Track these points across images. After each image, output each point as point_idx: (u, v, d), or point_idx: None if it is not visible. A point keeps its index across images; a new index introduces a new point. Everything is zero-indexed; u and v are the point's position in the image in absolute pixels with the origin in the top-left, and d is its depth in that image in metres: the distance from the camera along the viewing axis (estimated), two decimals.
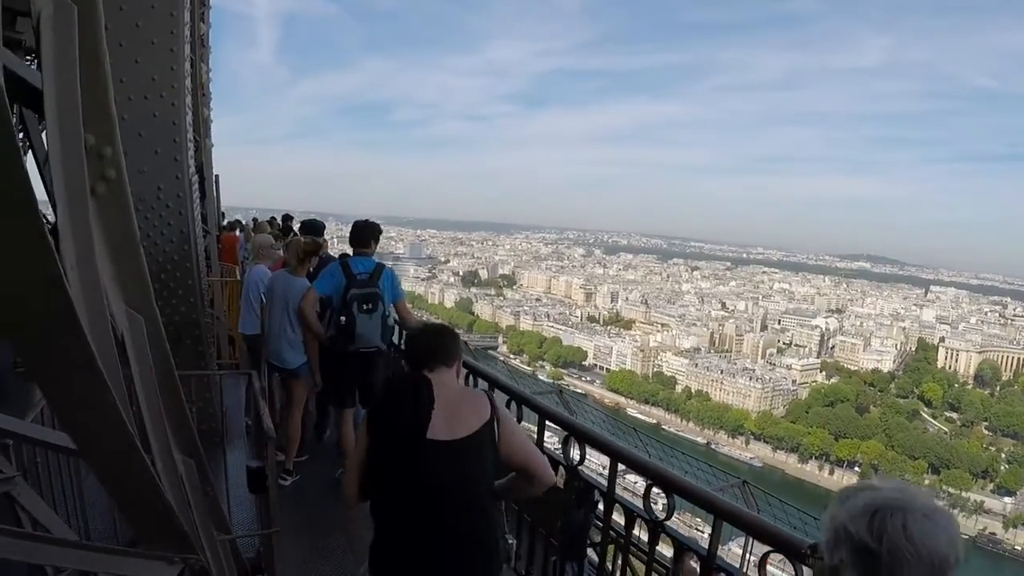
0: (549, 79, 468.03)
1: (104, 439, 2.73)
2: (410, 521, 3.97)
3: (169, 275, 9.63)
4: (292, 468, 9.44)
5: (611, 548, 6.02)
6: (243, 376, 9.94)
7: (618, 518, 5.93)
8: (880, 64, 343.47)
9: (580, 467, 6.11)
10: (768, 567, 4.57)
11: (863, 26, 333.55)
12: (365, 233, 8.96)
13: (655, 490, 5.31)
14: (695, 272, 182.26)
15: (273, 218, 21.32)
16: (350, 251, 9.22)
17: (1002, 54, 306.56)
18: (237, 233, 21.84)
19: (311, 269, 9.71)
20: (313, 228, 11.60)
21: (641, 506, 5.45)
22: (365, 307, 8.40)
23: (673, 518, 5.39)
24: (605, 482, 5.86)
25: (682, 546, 5.14)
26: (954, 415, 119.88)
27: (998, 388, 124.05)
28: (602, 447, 5.80)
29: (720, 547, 5.01)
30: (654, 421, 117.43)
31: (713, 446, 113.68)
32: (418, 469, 3.87)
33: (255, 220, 22.33)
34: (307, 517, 8.33)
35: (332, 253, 11.39)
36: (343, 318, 8.44)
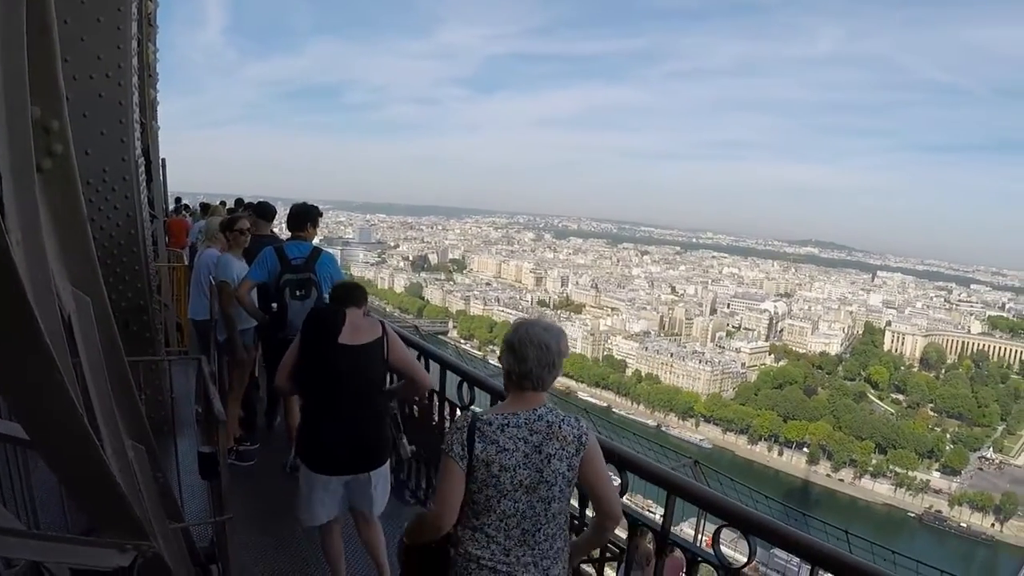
0: (501, 63, 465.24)
1: (55, 424, 2.69)
2: (324, 402, 5.91)
3: (116, 260, 9.36)
4: (234, 448, 9.40)
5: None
6: (192, 363, 10.18)
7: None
8: (833, 54, 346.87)
9: None
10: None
11: (818, 16, 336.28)
12: (302, 217, 9.00)
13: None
14: (645, 256, 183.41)
15: (223, 202, 20.86)
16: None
17: (954, 47, 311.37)
18: (186, 218, 22.03)
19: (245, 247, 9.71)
20: (263, 211, 11.10)
21: None
22: (298, 293, 8.42)
23: (625, 500, 5.36)
24: None
25: (636, 523, 5.43)
26: (900, 397, 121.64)
27: (943, 371, 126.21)
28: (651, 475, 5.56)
29: (673, 527, 5.30)
30: (605, 404, 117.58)
31: (663, 428, 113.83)
32: (331, 362, 5.85)
33: (202, 204, 21.98)
34: (262, 506, 8.38)
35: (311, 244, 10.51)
36: (275, 305, 8.55)
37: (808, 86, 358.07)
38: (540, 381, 3.99)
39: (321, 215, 9.41)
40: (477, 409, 7.12)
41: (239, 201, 19.45)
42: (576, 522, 5.77)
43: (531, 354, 3.92)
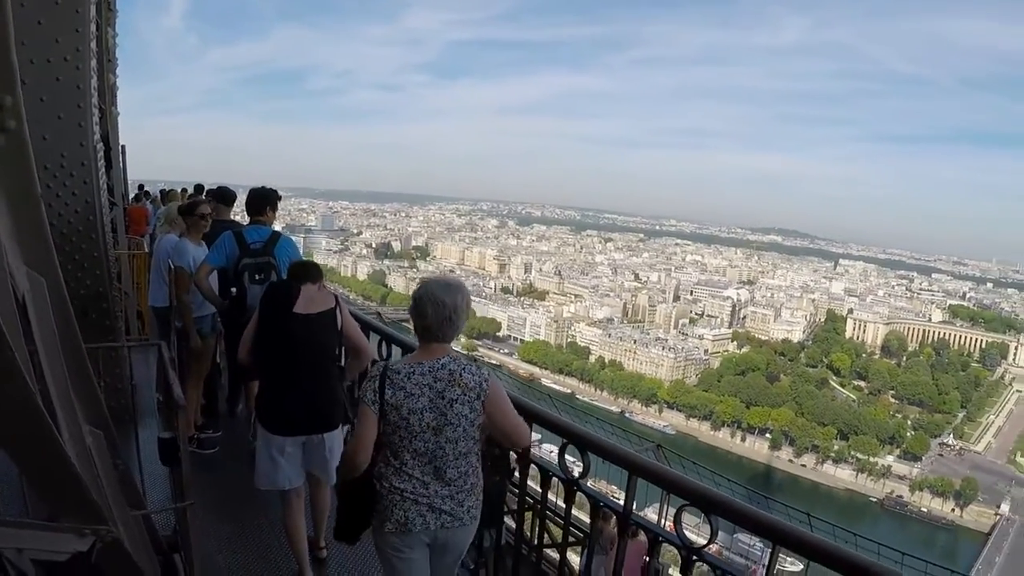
0: (465, 49, 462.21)
1: (8, 406, 2.68)
2: (281, 368, 6.23)
3: (74, 247, 9.16)
4: (195, 435, 9.36)
5: (529, 514, 6.34)
6: (153, 350, 9.94)
7: (534, 485, 6.21)
8: (799, 43, 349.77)
9: None
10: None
11: (784, 5, 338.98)
12: (260, 201, 8.91)
13: (570, 448, 5.62)
14: (608, 243, 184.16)
15: (184, 188, 20.58)
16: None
17: (919, 38, 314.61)
18: (146, 205, 21.77)
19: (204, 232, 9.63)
20: (223, 197, 10.95)
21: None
22: (257, 277, 8.36)
23: (589, 485, 5.64)
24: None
25: (599, 504, 5.49)
26: (862, 384, 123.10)
27: (904, 358, 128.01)
28: (516, 407, 5.34)
29: (638, 512, 5.32)
30: (568, 391, 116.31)
31: (627, 415, 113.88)
32: (287, 330, 6.21)
33: (162, 191, 21.70)
34: (225, 493, 8.29)
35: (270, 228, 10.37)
36: (234, 289, 8.51)
37: (773, 75, 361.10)
38: (440, 334, 4.59)
39: (280, 199, 9.34)
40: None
41: (199, 187, 19.14)
42: (530, 500, 6.25)
43: (429, 310, 4.53)
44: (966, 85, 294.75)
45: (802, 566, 4.44)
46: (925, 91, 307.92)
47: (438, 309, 4.49)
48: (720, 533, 4.75)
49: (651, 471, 5.12)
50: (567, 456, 5.80)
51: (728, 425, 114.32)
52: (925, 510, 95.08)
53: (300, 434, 6.32)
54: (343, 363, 6.77)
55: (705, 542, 4.83)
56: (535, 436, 5.56)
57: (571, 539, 6.17)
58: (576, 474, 5.62)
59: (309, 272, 6.61)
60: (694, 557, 4.84)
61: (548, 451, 6.47)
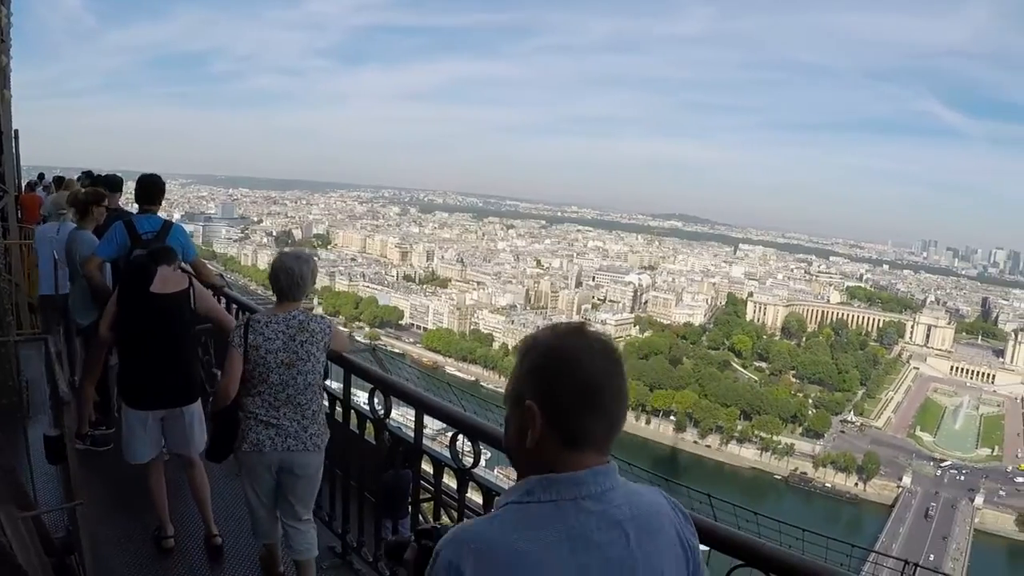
0: (368, 34, 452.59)
1: None
2: (140, 345, 6.52)
3: None
4: (88, 432, 8.96)
5: (431, 504, 6.31)
6: (42, 342, 9.48)
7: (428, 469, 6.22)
8: (703, 32, 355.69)
9: (388, 420, 6.45)
10: None
11: None
12: (152, 189, 8.72)
13: (461, 438, 5.54)
14: (511, 230, 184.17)
15: (80, 176, 18.57)
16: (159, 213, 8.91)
17: (820, 30, 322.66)
18: (39, 192, 20.82)
19: (100, 222, 9.20)
20: (110, 184, 10.48)
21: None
22: None
23: (494, 474, 6.90)
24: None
25: (491, 492, 5.28)
26: (763, 365, 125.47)
27: (804, 339, 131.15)
28: (407, 397, 6.15)
29: None
30: (473, 378, 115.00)
31: None
32: (144, 309, 6.46)
33: (56, 178, 19.94)
34: (122, 492, 7.75)
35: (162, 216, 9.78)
36: None
37: (677, 64, 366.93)
38: (291, 294, 5.69)
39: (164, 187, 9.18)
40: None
41: (88, 173, 17.34)
42: (432, 489, 6.14)
43: (282, 277, 5.63)
44: (866, 76, 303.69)
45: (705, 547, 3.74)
46: (825, 81, 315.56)
47: (289, 275, 5.62)
48: None
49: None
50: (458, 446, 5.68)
51: (632, 409, 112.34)
52: (829, 485, 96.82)
53: (160, 408, 6.60)
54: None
55: None
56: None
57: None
58: (468, 464, 5.59)
59: (165, 256, 6.80)
60: None
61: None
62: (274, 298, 5.90)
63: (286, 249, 7.77)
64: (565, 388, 2.09)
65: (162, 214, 8.85)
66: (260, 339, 5.47)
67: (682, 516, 2.34)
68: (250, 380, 5.53)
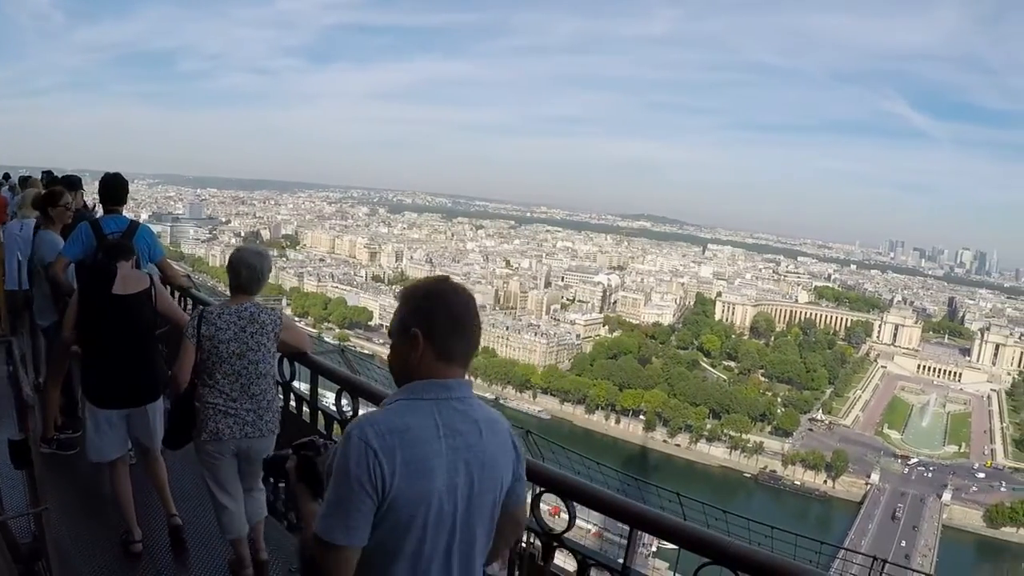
0: (337, 33, 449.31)
1: None
2: (103, 345, 6.44)
3: None
4: (54, 436, 8.80)
5: None
6: (3, 343, 9.85)
7: None
8: (670, 34, 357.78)
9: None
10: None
11: None
12: (116, 189, 8.64)
13: None
14: (480, 230, 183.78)
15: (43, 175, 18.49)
16: (125, 213, 8.83)
17: (787, 33, 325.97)
18: (4, 193, 19.32)
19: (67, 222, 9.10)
20: (70, 184, 10.41)
21: None
22: None
23: None
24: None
25: None
26: (732, 364, 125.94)
27: (772, 338, 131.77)
28: (374, 398, 6.19)
29: None
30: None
31: (502, 401, 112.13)
32: (106, 310, 6.38)
33: (21, 178, 19.52)
34: (89, 496, 7.79)
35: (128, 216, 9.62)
36: None
37: (644, 65, 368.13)
38: (248, 289, 5.84)
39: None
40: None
41: (48, 173, 17.72)
42: None
43: (243, 271, 5.77)
44: (833, 77, 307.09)
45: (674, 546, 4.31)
46: (793, 82, 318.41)
47: (251, 271, 5.79)
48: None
49: None
50: None
51: (602, 408, 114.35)
52: (798, 483, 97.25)
53: (124, 407, 6.59)
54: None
55: (563, 528, 4.87)
56: None
57: None
58: None
59: (123, 252, 6.79)
60: (554, 543, 4.91)
61: None
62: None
63: (242, 244, 6.97)
64: (439, 318, 2.96)
65: (129, 214, 8.83)
66: (212, 329, 5.72)
67: (514, 432, 3.33)
68: (206, 370, 5.78)
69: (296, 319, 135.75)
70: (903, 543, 79.50)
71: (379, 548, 2.91)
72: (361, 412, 6.29)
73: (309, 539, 3.04)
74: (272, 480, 6.47)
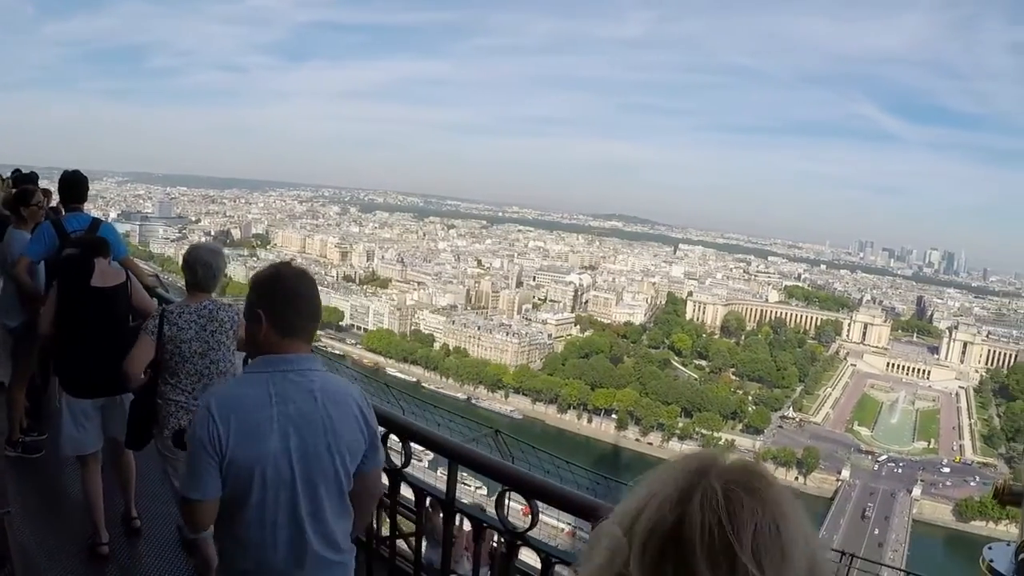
0: (311, 31, 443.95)
1: None
2: (81, 337, 6.69)
3: None
4: (19, 439, 8.91)
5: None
6: None
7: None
8: (644, 35, 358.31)
9: None
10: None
11: None
12: (77, 187, 8.92)
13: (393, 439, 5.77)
14: (451, 230, 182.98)
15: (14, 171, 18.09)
16: (94, 212, 9.29)
17: (758, 35, 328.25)
18: None
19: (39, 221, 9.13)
20: (28, 182, 10.98)
21: None
22: None
23: (436, 475, 5.98)
24: None
25: (423, 492, 5.68)
26: (703, 363, 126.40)
27: (743, 337, 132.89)
28: None
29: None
30: (414, 379, 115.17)
31: (474, 401, 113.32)
32: (85, 302, 6.69)
33: None
34: (53, 498, 7.95)
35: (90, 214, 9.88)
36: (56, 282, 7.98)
37: (618, 66, 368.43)
38: (206, 286, 6.03)
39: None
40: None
41: (17, 171, 16.94)
42: None
43: (199, 269, 5.94)
44: (804, 80, 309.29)
45: None
46: (765, 85, 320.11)
47: (206, 269, 5.96)
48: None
49: (471, 458, 5.42)
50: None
51: (574, 407, 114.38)
52: None
53: (101, 396, 6.77)
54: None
55: (527, 527, 5.03)
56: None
57: (398, 530, 6.35)
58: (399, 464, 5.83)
59: (100, 248, 7.07)
60: (518, 541, 5.06)
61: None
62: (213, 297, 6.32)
63: (198, 241, 7.83)
64: (277, 297, 3.57)
65: (97, 213, 8.84)
66: (175, 329, 5.84)
67: (365, 403, 3.88)
68: (168, 369, 5.91)
69: (235, 307, 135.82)
70: (876, 532, 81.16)
71: (231, 499, 3.54)
72: None
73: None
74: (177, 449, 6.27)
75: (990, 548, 1.93)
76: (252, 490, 3.51)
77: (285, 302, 3.61)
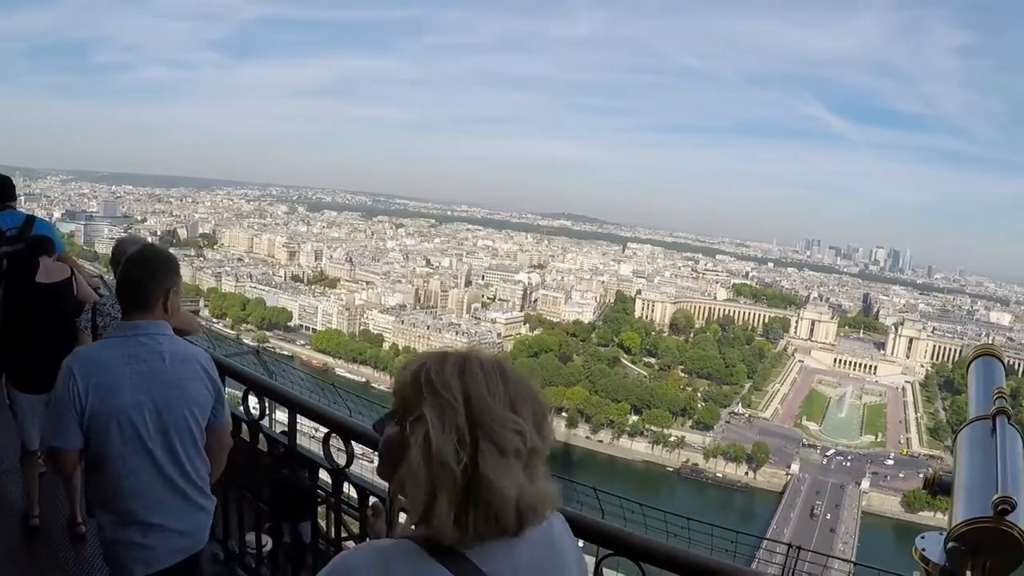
0: (258, 26, 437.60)
1: None
2: (27, 331, 6.79)
3: None
4: None
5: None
6: None
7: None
8: (593, 36, 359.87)
9: (262, 423, 6.46)
10: None
11: None
12: (5, 186, 8.81)
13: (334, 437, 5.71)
14: (400, 229, 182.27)
15: None
16: (37, 211, 8.24)
17: (706, 37, 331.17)
18: None
19: None
20: None
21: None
22: None
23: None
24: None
25: (365, 491, 5.49)
26: (652, 360, 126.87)
27: (692, 334, 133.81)
28: (280, 398, 6.21)
29: None
30: (363, 380, 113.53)
31: None
32: (31, 298, 6.81)
33: None
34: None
35: (23, 212, 9.73)
36: None
37: (567, 66, 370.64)
38: None
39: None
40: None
41: None
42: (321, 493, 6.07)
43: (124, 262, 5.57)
44: (753, 82, 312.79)
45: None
46: (713, 85, 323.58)
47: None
48: None
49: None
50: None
51: None
52: (720, 475, 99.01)
53: (45, 391, 6.07)
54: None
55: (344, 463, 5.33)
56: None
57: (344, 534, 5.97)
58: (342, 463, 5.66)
59: (45, 247, 7.22)
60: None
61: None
62: None
63: (124, 236, 7.21)
64: (121, 280, 4.24)
65: (42, 212, 8.22)
66: (107, 320, 6.07)
67: (210, 363, 4.36)
68: None
69: (214, 321, 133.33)
70: (826, 522, 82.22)
71: (94, 450, 3.96)
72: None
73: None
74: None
75: (923, 537, 1.96)
76: (110, 441, 3.95)
77: (130, 279, 4.22)
